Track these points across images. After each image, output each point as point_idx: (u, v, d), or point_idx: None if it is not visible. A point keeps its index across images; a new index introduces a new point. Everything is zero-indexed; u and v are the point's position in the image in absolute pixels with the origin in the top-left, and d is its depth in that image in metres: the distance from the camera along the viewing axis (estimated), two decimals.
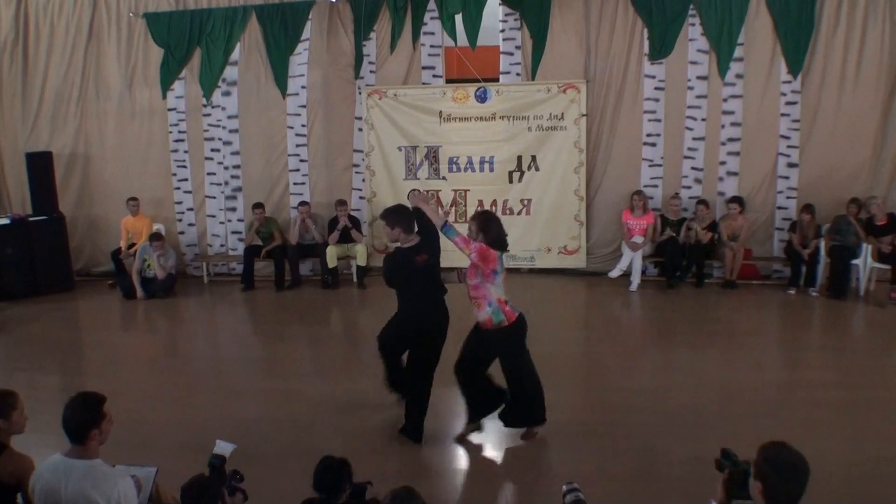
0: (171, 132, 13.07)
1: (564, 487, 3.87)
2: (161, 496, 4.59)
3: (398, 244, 6.53)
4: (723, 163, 11.68)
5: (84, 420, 4.03)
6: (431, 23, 12.23)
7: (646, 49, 11.73)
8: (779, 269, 11.67)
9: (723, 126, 11.60)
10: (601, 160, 12.07)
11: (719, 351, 8.91)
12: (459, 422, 7.07)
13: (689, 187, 11.83)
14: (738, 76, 11.45)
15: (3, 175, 13.83)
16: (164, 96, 12.95)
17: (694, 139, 11.73)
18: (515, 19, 12.00)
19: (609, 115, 11.95)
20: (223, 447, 4.53)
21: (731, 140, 11.59)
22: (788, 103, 11.36)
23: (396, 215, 6.47)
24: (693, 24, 11.55)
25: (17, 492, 4.42)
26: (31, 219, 12.62)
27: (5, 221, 12.59)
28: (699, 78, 11.61)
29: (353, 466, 4.43)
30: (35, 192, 12.73)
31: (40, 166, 12.69)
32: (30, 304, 11.97)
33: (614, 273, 11.73)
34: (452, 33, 12.06)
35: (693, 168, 11.79)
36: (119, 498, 3.98)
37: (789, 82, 11.32)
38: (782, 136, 11.44)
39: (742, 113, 11.51)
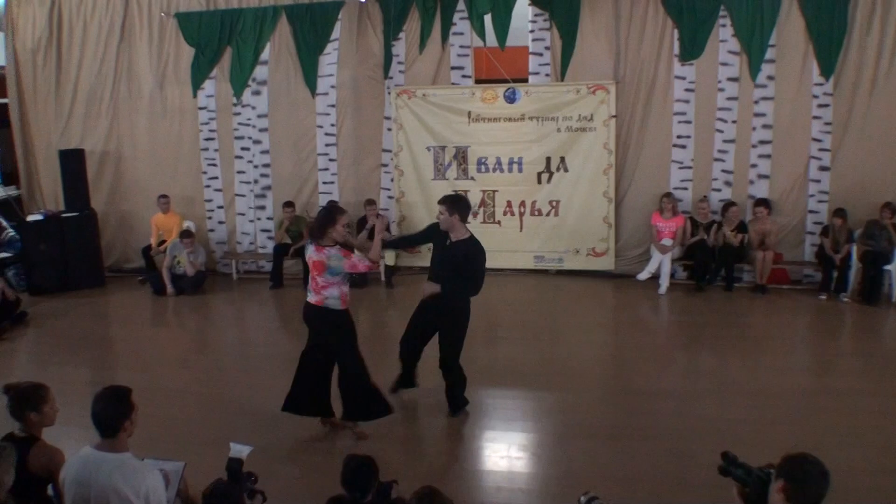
0: (201, 131, 13.30)
1: (582, 499, 3.92)
2: (189, 491, 4.66)
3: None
4: (753, 165, 11.68)
5: (116, 412, 4.13)
6: (461, 23, 12.32)
7: (676, 50, 11.74)
8: (810, 274, 11.65)
9: (753, 128, 11.58)
10: (630, 162, 12.11)
11: (748, 356, 8.96)
12: (488, 421, 7.25)
13: (718, 190, 11.85)
14: (770, 78, 11.43)
15: (37, 172, 14.15)
16: (195, 95, 13.18)
17: (724, 141, 11.73)
18: (545, 20, 12.06)
19: (639, 117, 11.99)
20: (239, 450, 4.61)
21: (761, 143, 11.58)
22: (820, 106, 11.32)
23: (458, 204, 7.13)
24: (724, 25, 11.53)
25: (48, 483, 4.53)
26: (63, 215, 12.92)
27: (39, 218, 12.93)
28: (730, 79, 11.60)
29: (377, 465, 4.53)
30: (68, 188, 13.02)
31: (73, 163, 12.97)
32: (62, 299, 12.26)
33: (643, 276, 11.75)
34: (481, 33, 12.14)
35: (723, 171, 11.81)
36: (148, 492, 4.05)
37: (821, 84, 11.29)
38: (814, 139, 11.41)
39: (773, 115, 11.48)
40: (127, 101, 13.43)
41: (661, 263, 11.55)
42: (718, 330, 9.97)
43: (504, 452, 6.68)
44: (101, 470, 4.06)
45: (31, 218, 13.03)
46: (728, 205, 11.57)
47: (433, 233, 7.34)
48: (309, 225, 11.75)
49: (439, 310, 7.05)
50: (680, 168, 11.94)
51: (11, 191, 14.92)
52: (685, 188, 11.97)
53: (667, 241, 11.58)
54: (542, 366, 8.84)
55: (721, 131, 11.72)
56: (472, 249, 6.99)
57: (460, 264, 6.92)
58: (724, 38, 11.55)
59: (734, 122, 11.65)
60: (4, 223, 13.98)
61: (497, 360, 9.12)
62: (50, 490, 4.55)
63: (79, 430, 5.33)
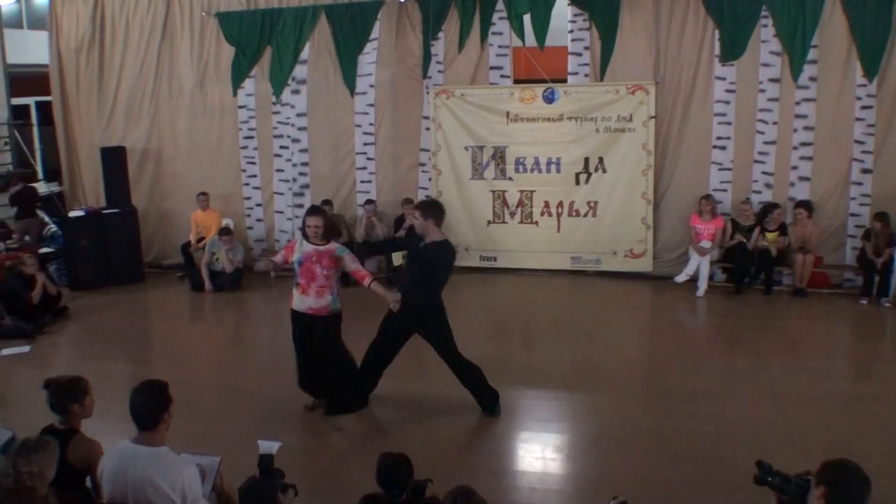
0: (240, 129, 13.55)
1: (612, 503, 3.98)
2: (224, 486, 4.73)
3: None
4: (794, 167, 11.65)
5: (154, 406, 4.24)
6: (500, 23, 12.42)
7: (716, 50, 11.75)
8: (850, 278, 11.59)
9: (795, 130, 11.56)
10: (669, 163, 12.14)
11: (785, 360, 8.95)
12: (523, 422, 7.33)
13: (759, 192, 11.84)
14: (812, 79, 11.41)
15: (79, 169, 14.51)
16: (235, 94, 13.43)
17: (765, 143, 11.72)
18: (584, 20, 12.13)
19: (678, 118, 12.01)
20: (268, 446, 4.73)
21: (803, 144, 11.55)
22: (863, 107, 11.28)
23: (431, 209, 7.30)
24: (765, 26, 11.52)
25: (86, 476, 4.64)
26: (104, 211, 13.17)
27: (80, 214, 13.24)
28: (771, 80, 11.59)
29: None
30: (109, 185, 13.29)
31: (114, 161, 13.24)
32: (102, 294, 12.49)
33: (681, 278, 11.78)
34: (520, 33, 12.26)
35: (764, 172, 11.79)
36: (184, 486, 4.14)
37: (864, 86, 11.24)
38: (857, 142, 11.38)
39: (815, 117, 11.46)
40: (168, 99, 13.72)
41: (699, 266, 11.56)
42: (756, 333, 9.98)
43: (538, 453, 6.75)
44: (138, 463, 4.16)
45: (72, 214, 13.38)
46: (770, 206, 11.54)
47: (413, 238, 7.62)
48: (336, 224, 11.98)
49: (411, 316, 7.18)
50: (720, 170, 11.96)
51: (54, 187, 15.34)
52: (724, 190, 11.98)
53: (705, 244, 11.59)
54: (577, 367, 8.91)
55: (762, 133, 11.71)
56: (445, 252, 7.20)
57: (432, 265, 7.12)
58: (765, 38, 11.54)
59: (775, 123, 11.63)
60: (47, 219, 14.39)
61: (533, 361, 9.23)
62: (88, 482, 4.67)
63: (117, 423, 5.45)
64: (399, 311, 7.13)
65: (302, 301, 7.20)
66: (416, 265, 7.23)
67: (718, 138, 11.89)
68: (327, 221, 7.24)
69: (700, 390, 8.07)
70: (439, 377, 8.05)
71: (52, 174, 16.02)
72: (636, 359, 9.38)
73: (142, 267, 13.48)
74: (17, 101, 15.61)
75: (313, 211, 7.32)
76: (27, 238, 13.35)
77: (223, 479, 4.71)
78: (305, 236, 7.20)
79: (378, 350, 7.44)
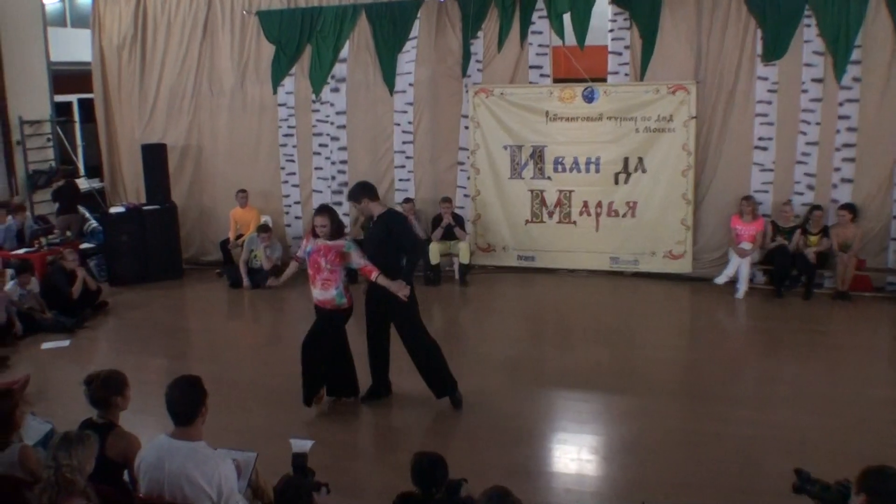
0: (280, 127, 13.80)
1: None
2: (260, 482, 4.90)
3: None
4: (837, 169, 11.66)
5: (191, 401, 4.39)
6: (539, 22, 12.54)
7: (758, 50, 11.77)
8: (893, 282, 11.60)
9: (838, 131, 11.56)
10: (710, 163, 12.20)
11: (826, 364, 9.03)
12: (559, 423, 7.49)
13: (801, 193, 11.86)
14: (856, 79, 11.40)
15: (120, 165, 14.87)
16: (275, 92, 13.68)
17: (807, 144, 11.74)
18: (625, 19, 12.23)
19: (719, 118, 12.06)
20: (301, 444, 4.90)
21: (846, 146, 11.55)
22: None
23: (356, 192, 7.70)
24: (808, 25, 11.53)
25: (123, 469, 4.79)
26: (144, 208, 13.47)
27: (121, 210, 13.55)
28: (814, 81, 11.60)
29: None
30: (149, 182, 13.58)
31: (155, 157, 13.54)
32: (140, 290, 12.81)
33: (720, 279, 11.79)
34: (560, 32, 12.36)
35: (806, 174, 11.82)
36: (220, 480, 4.27)
37: None
38: None
39: (858, 118, 11.45)
40: (208, 97, 14.02)
41: (739, 267, 11.56)
42: (796, 337, 10.02)
43: (574, 455, 6.87)
44: (175, 457, 4.30)
45: (113, 210, 13.70)
46: (812, 208, 11.58)
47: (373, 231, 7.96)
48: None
49: (382, 297, 7.46)
50: (761, 170, 11.99)
51: (95, 183, 15.71)
52: (766, 191, 12.01)
53: (746, 245, 11.61)
54: (614, 369, 8.99)
55: (804, 133, 11.72)
56: (393, 218, 7.65)
57: (387, 236, 7.47)
58: (808, 38, 11.55)
59: (818, 124, 11.64)
60: (88, 215, 14.73)
61: (570, 362, 9.31)
62: (125, 476, 4.81)
63: (154, 418, 5.66)
64: (369, 297, 7.57)
65: (314, 292, 7.48)
66: (373, 241, 7.64)
67: (760, 139, 11.93)
68: (335, 220, 7.42)
69: (739, 394, 8.16)
70: (473, 374, 8.23)
71: (94, 171, 16.38)
72: (674, 361, 9.42)
73: (180, 263, 13.76)
74: (59, 98, 15.97)
75: (321, 210, 7.54)
76: (68, 233, 13.63)
77: (259, 475, 4.89)
78: (315, 234, 7.44)
79: (371, 346, 7.81)
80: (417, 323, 7.65)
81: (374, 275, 7.31)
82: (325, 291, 7.36)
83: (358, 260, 7.36)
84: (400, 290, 7.28)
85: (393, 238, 7.46)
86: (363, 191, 7.63)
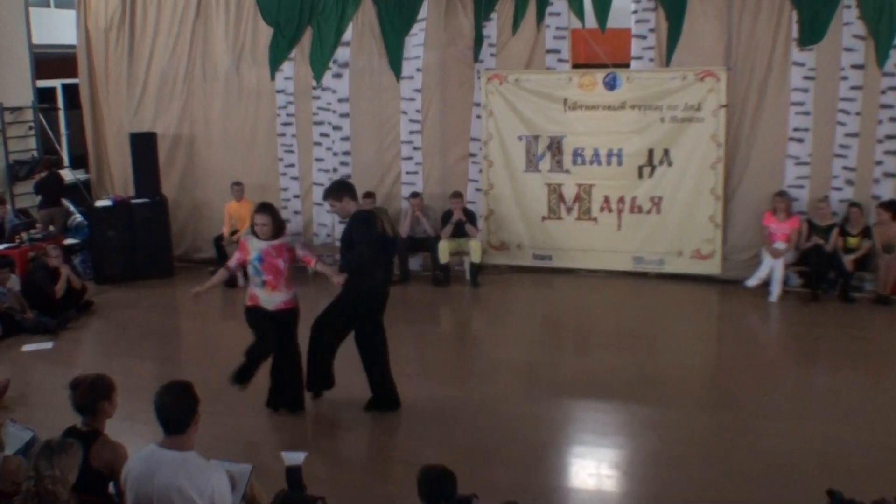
0: (278, 115, 13.73)
1: None
2: (255, 496, 4.92)
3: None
4: (879, 163, 11.61)
5: (184, 408, 4.33)
6: (557, 2, 12.46)
7: (794, 34, 11.69)
8: None
9: (880, 121, 11.50)
10: (741, 156, 12.10)
11: (866, 374, 9.00)
12: (576, 434, 7.47)
13: (839, 189, 11.79)
14: None
15: (107, 156, 14.78)
16: (273, 77, 13.60)
17: (846, 135, 11.67)
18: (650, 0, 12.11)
19: (751, 107, 11.97)
20: (294, 458, 4.89)
21: (888, 137, 11.49)
22: None
23: (341, 188, 7.91)
24: (848, 7, 11.44)
25: (109, 480, 4.79)
26: (133, 201, 13.45)
27: (107, 203, 13.55)
28: (854, 67, 11.53)
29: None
30: (138, 173, 13.54)
31: (144, 147, 13.48)
32: (129, 289, 12.84)
33: (752, 281, 11.71)
34: (580, 14, 12.34)
35: (844, 168, 11.74)
36: (213, 492, 4.22)
37: None
38: None
39: None
40: (201, 82, 13.92)
41: (772, 269, 11.51)
42: (834, 344, 9.97)
43: (593, 469, 6.84)
44: (165, 468, 4.23)
45: (99, 203, 13.71)
46: (852, 205, 11.50)
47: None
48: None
49: (361, 295, 7.77)
50: (796, 164, 11.90)
51: (80, 175, 15.65)
52: (801, 186, 11.92)
53: (779, 245, 11.54)
54: (637, 377, 8.94)
55: (843, 124, 11.65)
56: (356, 218, 7.75)
57: (350, 235, 7.73)
58: (848, 20, 11.46)
59: (858, 114, 11.57)
60: (72, 208, 14.67)
61: (589, 369, 9.30)
62: (111, 488, 4.81)
63: (142, 426, 5.65)
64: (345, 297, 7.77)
65: (271, 299, 7.58)
66: (345, 244, 7.83)
67: (795, 130, 11.84)
68: (277, 218, 7.67)
69: (771, 405, 8.13)
70: (484, 382, 8.21)
71: (79, 161, 16.33)
72: (701, 369, 9.42)
73: (171, 260, 13.75)
74: (42, 83, 15.89)
75: (262, 209, 7.67)
76: (52, 228, 13.55)
77: (254, 488, 4.93)
78: (255, 234, 7.58)
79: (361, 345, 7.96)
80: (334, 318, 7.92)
81: (313, 263, 7.80)
82: (288, 292, 7.63)
83: (300, 251, 7.80)
84: (338, 280, 7.65)
85: (352, 232, 7.71)
86: (346, 189, 7.86)
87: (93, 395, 4.88)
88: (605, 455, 7.06)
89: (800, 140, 11.86)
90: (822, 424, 7.48)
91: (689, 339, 10.41)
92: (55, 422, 5.55)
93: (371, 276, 7.69)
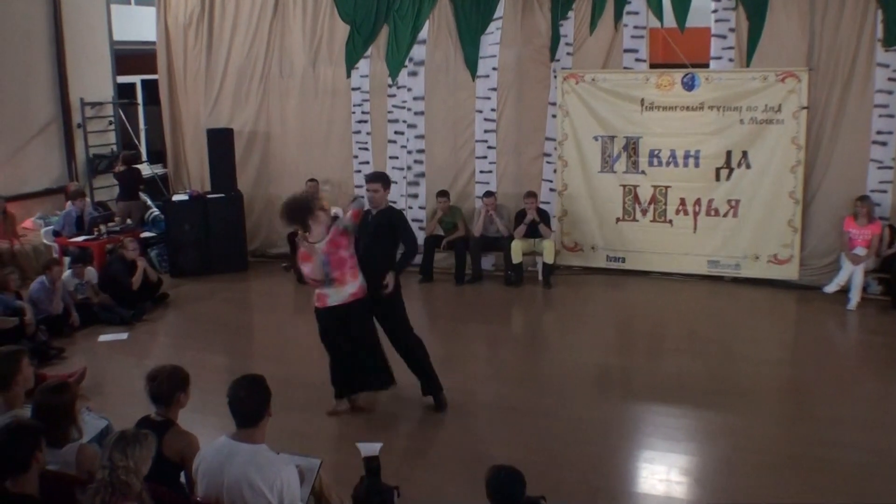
0: (353, 113, 14.10)
1: None
2: (324, 490, 5.08)
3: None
4: None
5: (258, 402, 4.55)
6: (635, 1, 12.55)
7: (879, 34, 11.59)
8: None
9: None
10: (822, 159, 12.04)
11: None
12: (647, 440, 7.54)
13: None
14: None
15: (184, 151, 15.37)
16: (349, 75, 13.99)
17: None
18: None
19: (833, 109, 11.90)
20: (371, 448, 5.06)
21: None
22: None
23: (388, 180, 8.33)
24: None
25: (180, 470, 4.95)
26: (209, 196, 13.91)
27: (184, 198, 14.03)
28: None
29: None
30: (214, 169, 13.97)
31: (221, 143, 13.92)
32: (203, 282, 13.25)
33: (830, 288, 11.65)
34: (659, 13, 12.43)
35: None
36: (282, 486, 4.41)
37: None
38: None
39: None
40: (278, 80, 14.38)
41: (852, 275, 11.39)
42: None
43: (663, 475, 6.88)
44: (236, 460, 4.43)
45: (176, 198, 14.18)
46: None
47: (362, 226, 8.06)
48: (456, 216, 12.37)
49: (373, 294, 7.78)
50: (879, 168, 11.81)
51: (158, 169, 16.14)
52: (884, 191, 11.80)
53: (860, 251, 11.41)
54: (710, 383, 8.94)
55: None
56: (396, 213, 8.13)
57: (388, 229, 7.92)
58: None
59: None
60: (150, 202, 15.16)
61: (662, 374, 9.31)
62: (182, 478, 4.97)
63: (212, 418, 5.86)
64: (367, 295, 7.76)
65: (339, 293, 7.58)
66: (373, 236, 7.88)
67: (878, 133, 11.74)
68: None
69: (848, 416, 8.04)
70: (554, 384, 8.32)
71: (157, 156, 16.84)
72: (776, 376, 9.38)
73: (245, 255, 14.15)
74: (122, 79, 16.52)
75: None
76: (129, 221, 14.04)
77: (323, 483, 5.09)
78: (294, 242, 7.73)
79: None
80: (406, 320, 8.09)
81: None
82: (355, 281, 7.60)
83: (346, 220, 7.66)
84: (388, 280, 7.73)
85: (398, 233, 7.95)
86: (390, 182, 8.31)
87: (171, 386, 5.07)
88: (675, 461, 7.09)
89: (883, 143, 11.76)
90: None
91: (764, 345, 10.27)
92: (128, 411, 5.78)
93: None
